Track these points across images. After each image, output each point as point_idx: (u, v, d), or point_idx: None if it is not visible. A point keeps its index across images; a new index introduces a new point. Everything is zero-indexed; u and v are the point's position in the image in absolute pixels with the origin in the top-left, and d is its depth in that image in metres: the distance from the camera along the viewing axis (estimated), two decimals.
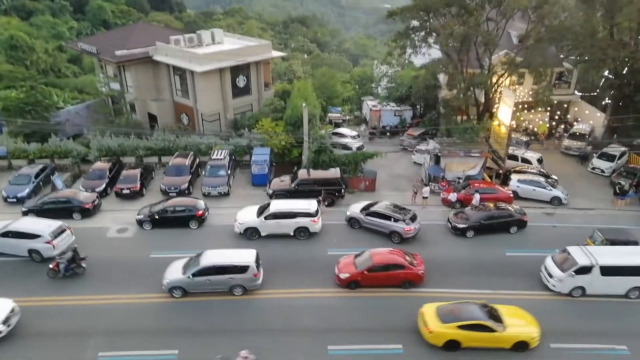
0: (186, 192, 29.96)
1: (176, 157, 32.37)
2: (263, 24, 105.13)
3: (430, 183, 31.16)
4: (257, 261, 21.44)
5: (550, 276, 21.77)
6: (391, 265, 21.63)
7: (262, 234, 25.31)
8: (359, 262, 21.91)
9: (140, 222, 26.40)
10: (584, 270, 21.10)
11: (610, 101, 39.62)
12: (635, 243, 23.27)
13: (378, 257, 21.92)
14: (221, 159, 31.62)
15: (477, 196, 28.10)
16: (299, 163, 32.66)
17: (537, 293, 21.82)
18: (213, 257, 21.42)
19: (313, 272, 22.78)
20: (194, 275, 20.83)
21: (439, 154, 31.83)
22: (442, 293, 21.33)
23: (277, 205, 25.83)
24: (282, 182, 30.16)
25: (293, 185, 29.36)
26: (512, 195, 29.15)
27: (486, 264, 23.60)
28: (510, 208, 26.92)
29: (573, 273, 21.09)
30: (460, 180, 31.16)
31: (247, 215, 25.72)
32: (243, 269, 20.91)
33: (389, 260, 21.78)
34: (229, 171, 31.24)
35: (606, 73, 39.25)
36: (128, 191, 29.75)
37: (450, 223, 26.46)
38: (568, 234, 26.39)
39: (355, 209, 26.96)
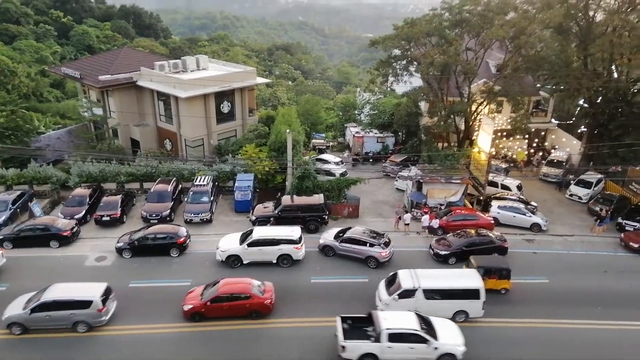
0: (168, 218, 29.61)
1: (158, 183, 32.10)
2: (248, 51, 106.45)
3: (413, 209, 31.39)
4: (105, 295, 20.51)
5: (380, 300, 21.38)
6: (237, 295, 20.86)
7: (245, 261, 25.03)
8: (207, 293, 21.17)
9: (119, 250, 25.91)
10: (408, 293, 20.75)
11: (585, 129, 40.75)
12: (507, 271, 22.97)
13: (225, 287, 21.16)
14: (204, 185, 31.44)
15: (425, 217, 29.07)
16: (283, 189, 32.66)
17: None
18: (56, 291, 20.27)
19: (296, 301, 22.54)
20: (32, 310, 19.65)
21: (421, 181, 32.19)
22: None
23: (260, 232, 25.65)
24: (266, 208, 30.06)
25: (276, 211, 29.26)
26: (493, 221, 29.48)
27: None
28: (490, 235, 27.16)
29: (397, 297, 20.77)
30: (442, 207, 31.46)
31: (230, 243, 25.46)
32: (86, 304, 19.88)
33: (235, 290, 21.02)
34: (212, 197, 31.05)
35: (581, 102, 40.50)
36: (108, 218, 29.27)
37: (432, 250, 26.58)
38: (548, 260, 26.77)
39: (329, 236, 26.87)
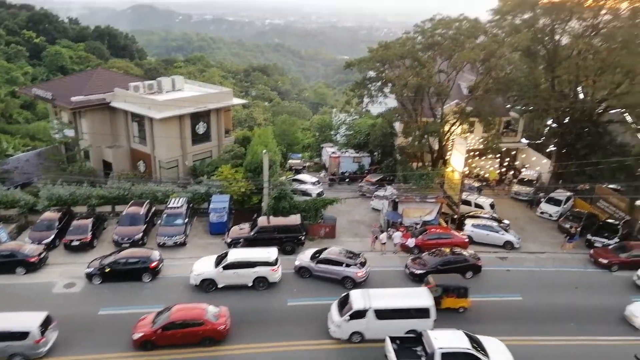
0: (140, 242, 28.94)
1: (131, 206, 31.46)
2: (224, 72, 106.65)
3: (389, 229, 31.52)
4: (44, 325, 19.60)
5: (332, 322, 21.17)
6: (190, 322, 20.23)
7: (220, 285, 24.56)
8: (159, 320, 20.47)
9: (89, 276, 25.12)
10: (359, 314, 20.56)
11: (554, 148, 41.95)
12: (465, 289, 23.09)
13: (178, 313, 20.51)
14: (178, 207, 30.95)
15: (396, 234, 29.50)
16: (259, 210, 32.41)
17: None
18: None
19: (273, 325, 22.17)
20: None
21: (396, 200, 32.44)
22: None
23: (236, 254, 25.29)
24: (242, 230, 29.71)
25: (252, 233, 28.94)
26: (467, 240, 29.81)
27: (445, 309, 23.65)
28: (465, 253, 27.42)
29: (348, 318, 20.57)
30: (418, 226, 31.70)
31: (204, 266, 25.00)
32: (23, 335, 18.92)
33: (188, 316, 20.42)
34: (186, 220, 30.56)
35: (550, 122, 41.78)
36: (78, 243, 28.41)
37: (408, 269, 26.64)
38: (521, 277, 27.13)
39: (305, 257, 26.68)
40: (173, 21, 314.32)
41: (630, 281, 26.73)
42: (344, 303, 21.62)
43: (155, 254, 26.40)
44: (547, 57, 37.22)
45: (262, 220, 30.00)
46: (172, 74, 51.17)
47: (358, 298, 21.23)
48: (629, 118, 38.59)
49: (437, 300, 22.64)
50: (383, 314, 20.71)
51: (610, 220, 32.56)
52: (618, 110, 38.23)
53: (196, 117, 39.04)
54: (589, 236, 31.23)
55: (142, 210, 30.75)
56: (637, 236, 31.81)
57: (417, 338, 19.60)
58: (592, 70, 34.49)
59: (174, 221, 29.93)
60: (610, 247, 29.71)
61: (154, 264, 25.56)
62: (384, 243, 29.57)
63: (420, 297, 21.70)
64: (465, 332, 19.67)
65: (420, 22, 37.12)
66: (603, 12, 34.34)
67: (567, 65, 34.75)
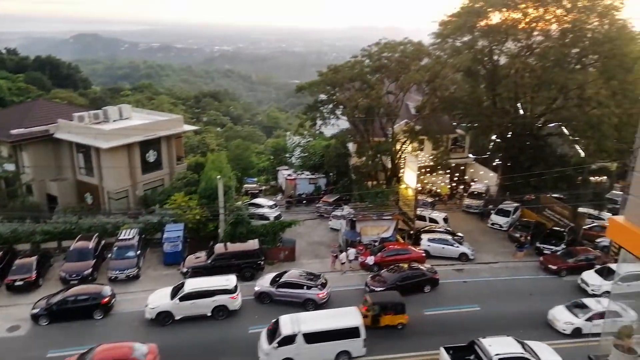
0: (90, 278, 27.49)
1: (78, 241, 29.92)
2: (174, 99, 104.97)
3: (348, 248, 31.65)
4: None
5: (261, 350, 20.55)
6: None
7: (177, 317, 23.64)
8: None
9: (35, 317, 23.52)
10: (288, 340, 20.11)
11: (499, 162, 43.94)
12: (402, 305, 23.17)
13: (102, 353, 19.12)
14: (130, 239, 29.78)
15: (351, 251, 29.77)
16: (215, 237, 31.74)
17: None
18: None
19: (234, 355, 21.49)
20: None
21: (354, 219, 32.71)
22: None
23: (193, 284, 24.50)
24: (198, 258, 28.91)
25: (209, 261, 28.21)
26: (424, 254, 30.39)
27: (408, 325, 23.80)
28: (422, 267, 27.93)
29: (276, 344, 20.06)
30: (376, 243, 32.02)
31: (159, 298, 24.02)
32: None
33: (113, 356, 19.13)
34: (139, 251, 29.39)
35: (494, 137, 43.83)
36: (22, 282, 26.58)
37: (368, 287, 26.69)
38: (478, 287, 27.87)
39: (264, 282, 26.27)
40: (118, 49, 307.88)
41: (576, 284, 28.04)
42: (274, 329, 21.01)
43: (107, 289, 25.15)
44: (487, 77, 39.27)
45: (219, 247, 29.35)
46: (119, 103, 49.73)
47: (287, 323, 20.76)
48: (565, 130, 41.10)
49: (376, 319, 22.77)
50: (312, 338, 20.31)
51: (556, 228, 34.18)
52: (555, 123, 40.70)
53: (146, 146, 38.11)
54: (537, 244, 32.65)
55: (91, 245, 29.33)
56: (582, 241, 33.59)
57: (469, 347, 19.99)
58: (529, 87, 36.71)
59: (126, 254, 28.71)
60: (558, 253, 31.15)
61: (105, 300, 24.30)
62: (344, 263, 29.64)
63: (349, 317, 21.52)
64: (514, 338, 20.26)
65: (367, 46, 38.35)
66: (535, 33, 36.78)
67: (506, 84, 36.82)
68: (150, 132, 37.71)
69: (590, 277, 27.63)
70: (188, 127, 45.29)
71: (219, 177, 30.73)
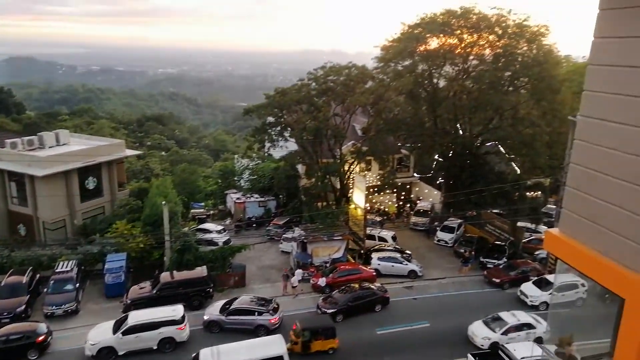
0: (23, 315, 25.57)
1: (10, 275, 27.84)
2: (115, 123, 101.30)
3: (299, 270, 31.37)
4: None
5: None
6: None
7: (120, 352, 22.36)
8: None
9: None
10: None
11: (443, 180, 45.56)
12: (332, 329, 23.03)
13: None
14: (67, 271, 28.09)
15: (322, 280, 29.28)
16: (161, 265, 30.53)
17: None
18: None
19: None
20: None
21: (305, 241, 32.58)
22: None
23: (137, 316, 23.34)
24: (142, 288, 27.60)
25: (155, 291, 27.00)
26: (374, 273, 30.67)
27: (361, 346, 23.79)
28: (372, 287, 28.10)
29: None
30: (328, 264, 31.98)
31: (101, 333, 22.67)
32: None
33: None
34: (78, 284, 27.71)
35: (436, 156, 45.49)
36: None
37: (320, 309, 26.47)
38: (427, 304, 28.38)
39: (214, 310, 25.49)
40: (55, 73, 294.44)
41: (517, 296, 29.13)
42: None
43: (42, 326, 23.45)
44: (428, 99, 40.94)
45: (164, 276, 28.22)
46: (55, 128, 47.40)
47: (207, 357, 20.13)
48: (502, 149, 43.38)
49: (306, 345, 22.48)
50: None
51: (497, 242, 35.63)
52: (492, 142, 42.89)
53: (85, 172, 36.48)
54: (481, 258, 33.85)
55: (24, 279, 27.38)
56: (522, 254, 35.17)
57: (494, 353, 20.51)
58: (467, 108, 38.63)
59: (63, 287, 26.99)
60: (500, 267, 32.41)
61: (40, 339, 22.63)
62: (295, 286, 29.33)
63: (273, 346, 21.05)
64: (533, 341, 20.78)
65: (313, 69, 39.00)
66: (471, 57, 38.96)
67: (445, 105, 38.55)
68: (89, 158, 36.14)
69: (529, 289, 28.66)
70: (130, 152, 43.86)
71: (164, 202, 29.77)
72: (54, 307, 26.08)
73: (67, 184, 35.18)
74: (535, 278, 29.63)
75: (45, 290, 27.32)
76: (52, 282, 27.27)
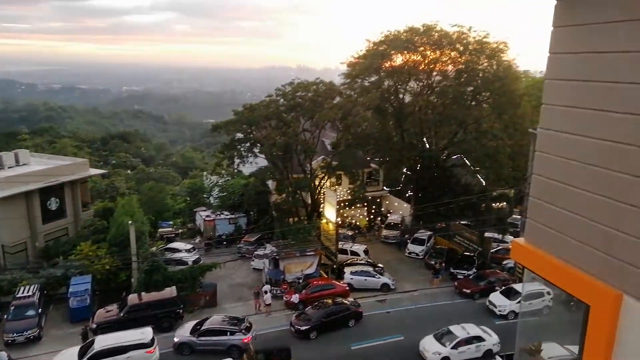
0: None
1: None
2: (78, 141, 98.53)
3: (271, 287, 31.04)
4: None
5: None
6: None
7: None
8: None
9: None
10: None
11: (412, 193, 46.27)
12: (287, 351, 22.60)
13: None
14: (29, 296, 26.88)
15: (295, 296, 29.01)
16: (128, 287, 29.63)
17: None
18: None
19: None
20: None
21: (277, 257, 32.32)
22: None
23: (103, 341, 22.49)
24: (109, 312, 26.69)
25: (122, 314, 26.16)
26: (348, 287, 30.66)
27: None
28: (346, 302, 28.04)
29: None
30: (300, 281, 31.79)
31: None
32: None
33: None
34: (40, 309, 26.52)
35: (405, 170, 46.24)
36: None
37: (293, 326, 26.18)
38: (400, 317, 28.54)
39: (184, 332, 24.88)
40: (14, 91, 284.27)
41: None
42: None
43: (2, 355, 22.25)
44: (394, 114, 41.76)
45: (132, 298, 27.40)
46: (15, 148, 45.66)
47: None
48: (467, 161, 44.53)
49: None
50: None
51: (467, 253, 36.32)
52: (458, 155, 44.00)
53: (47, 193, 35.21)
54: (451, 269, 34.38)
55: None
56: (490, 265, 35.94)
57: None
58: (432, 122, 39.62)
59: (25, 313, 25.79)
60: (470, 277, 32.98)
61: None
62: (269, 304, 28.94)
63: None
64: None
65: (281, 85, 39.21)
66: (434, 73, 40.09)
67: (412, 120, 39.44)
68: (51, 178, 34.93)
69: (497, 299, 29.16)
70: (94, 171, 42.70)
71: (130, 222, 29.03)
72: (15, 335, 24.82)
73: (28, 205, 33.87)
74: (503, 288, 30.26)
75: (5, 316, 26.03)
76: (12, 308, 26.01)
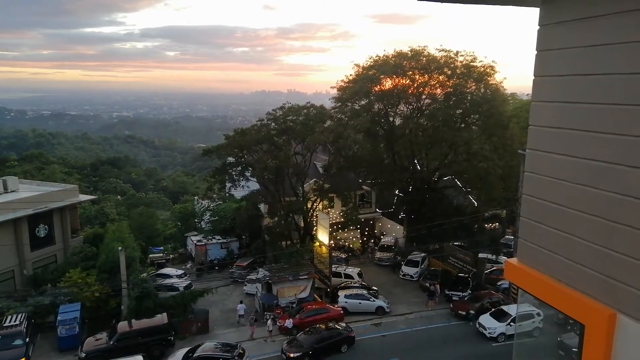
0: None
1: None
2: (68, 167, 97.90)
3: (265, 313, 30.61)
4: None
5: None
6: None
7: None
8: None
9: None
10: None
11: (404, 215, 46.33)
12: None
13: None
14: (16, 326, 26.22)
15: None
16: (118, 315, 29.07)
17: None
18: None
19: None
20: None
21: (270, 281, 31.98)
22: None
23: None
24: (98, 340, 26.11)
25: (112, 341, 25.60)
26: (342, 311, 30.31)
27: None
28: (338, 327, 27.53)
29: None
30: (294, 305, 31.38)
31: None
32: None
33: None
34: (28, 339, 25.83)
35: (397, 192, 46.40)
36: None
37: (285, 354, 25.57)
38: (396, 340, 28.17)
39: (175, 359, 24.38)
40: (3, 118, 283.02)
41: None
42: None
43: None
44: (385, 136, 42.17)
45: (122, 326, 26.88)
46: (3, 175, 45.26)
47: None
48: (459, 183, 44.85)
49: None
50: None
51: (461, 274, 36.15)
52: (449, 177, 44.32)
53: (35, 220, 34.78)
54: (446, 291, 34.16)
55: None
56: (485, 285, 35.74)
57: None
58: (423, 145, 40.01)
59: (12, 342, 25.09)
60: (465, 299, 32.77)
61: None
62: (271, 330, 28.32)
63: None
64: None
65: (272, 109, 39.53)
66: (424, 97, 40.72)
67: (402, 142, 39.80)
68: (40, 204, 34.56)
69: (486, 321, 28.73)
70: (84, 197, 42.34)
71: (120, 248, 28.68)
72: None
73: (16, 232, 33.38)
74: (492, 310, 29.93)
75: None
76: None
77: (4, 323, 26.52)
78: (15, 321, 26.61)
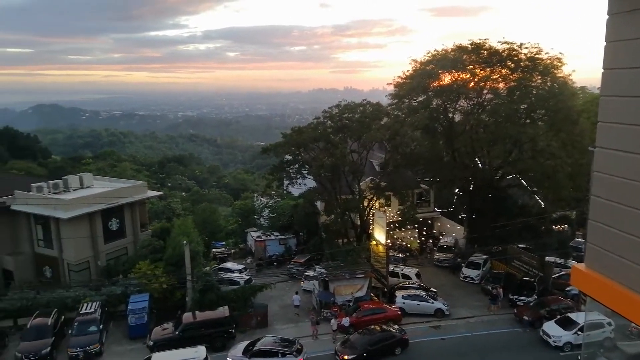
0: (48, 357, 25.65)
1: (36, 317, 28.12)
2: (137, 165, 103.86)
3: (322, 310, 30.84)
4: None
5: None
6: None
7: None
8: None
9: None
10: None
11: (465, 215, 44.95)
12: None
13: None
14: (91, 313, 28.24)
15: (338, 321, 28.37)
16: (183, 306, 30.49)
17: None
18: None
19: None
20: None
21: (327, 279, 32.21)
22: None
23: (160, 358, 23.20)
24: (165, 330, 27.53)
25: (177, 332, 26.91)
26: (400, 312, 29.92)
27: None
28: (391, 329, 27.02)
29: None
30: (351, 303, 31.40)
31: None
32: None
33: None
34: (101, 326, 27.79)
35: (457, 190, 45.08)
36: None
37: (338, 355, 25.39)
38: (456, 344, 27.34)
39: (237, 351, 25.05)
40: (79, 119, 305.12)
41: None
42: None
43: None
44: (444, 133, 41.01)
45: (187, 317, 28.14)
46: (80, 172, 48.75)
47: None
48: (524, 182, 42.81)
49: None
50: None
51: (526, 279, 34.42)
52: (513, 175, 42.41)
53: (108, 214, 37.16)
54: (510, 295, 32.72)
55: (50, 321, 27.59)
56: (552, 291, 33.89)
57: None
58: (484, 142, 38.49)
59: (88, 329, 27.08)
60: (531, 304, 31.21)
61: None
62: (335, 330, 28.13)
63: None
64: None
65: (328, 107, 39.71)
66: (485, 91, 39.16)
67: (462, 139, 38.53)
68: (112, 199, 36.93)
69: (551, 328, 27.24)
70: (152, 193, 44.66)
71: (185, 242, 30.03)
72: (78, 349, 26.07)
73: (91, 225, 35.84)
74: (558, 317, 28.34)
75: (69, 332, 27.45)
76: (76, 324, 27.37)
77: (81, 310, 28.61)
78: (90, 309, 28.64)
